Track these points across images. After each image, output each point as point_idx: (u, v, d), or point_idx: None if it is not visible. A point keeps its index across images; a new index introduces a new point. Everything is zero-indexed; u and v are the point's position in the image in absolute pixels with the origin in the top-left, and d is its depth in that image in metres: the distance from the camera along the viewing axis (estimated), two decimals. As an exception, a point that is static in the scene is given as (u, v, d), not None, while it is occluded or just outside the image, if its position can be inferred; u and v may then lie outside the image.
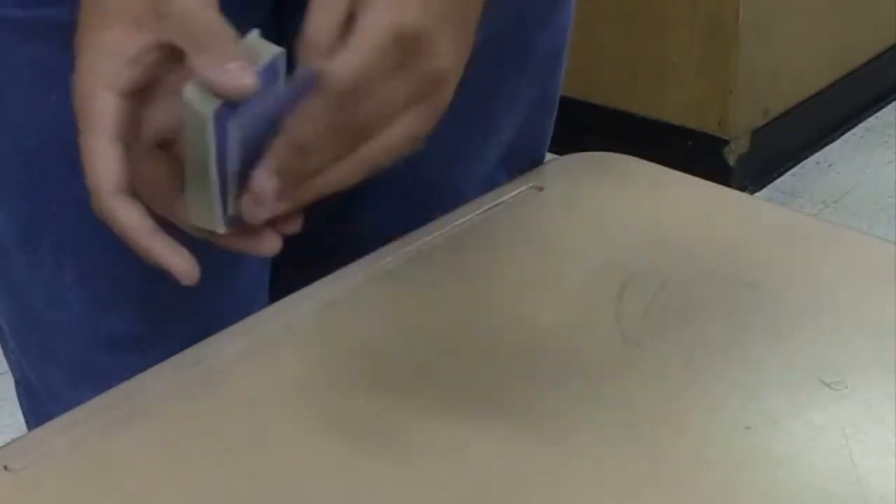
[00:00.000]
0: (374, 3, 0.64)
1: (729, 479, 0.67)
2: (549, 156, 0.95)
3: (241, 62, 0.64)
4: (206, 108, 0.64)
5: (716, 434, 0.69)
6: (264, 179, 0.66)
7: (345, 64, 0.64)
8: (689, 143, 2.45)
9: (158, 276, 0.84)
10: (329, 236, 0.90)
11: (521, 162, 0.92)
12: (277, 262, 0.90)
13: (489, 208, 0.87)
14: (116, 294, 0.84)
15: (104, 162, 0.67)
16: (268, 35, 0.68)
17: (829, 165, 2.58)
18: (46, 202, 0.82)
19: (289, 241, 0.70)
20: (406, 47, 0.64)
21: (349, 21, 0.65)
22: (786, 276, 0.80)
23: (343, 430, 0.70)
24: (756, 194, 2.44)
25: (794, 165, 2.57)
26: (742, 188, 2.38)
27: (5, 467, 0.68)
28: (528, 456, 0.68)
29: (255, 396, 0.72)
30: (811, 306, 0.78)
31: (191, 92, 0.65)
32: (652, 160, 0.92)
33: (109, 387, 0.73)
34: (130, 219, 0.67)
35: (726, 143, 2.44)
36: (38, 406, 0.90)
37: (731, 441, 0.69)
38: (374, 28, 0.64)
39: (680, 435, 0.69)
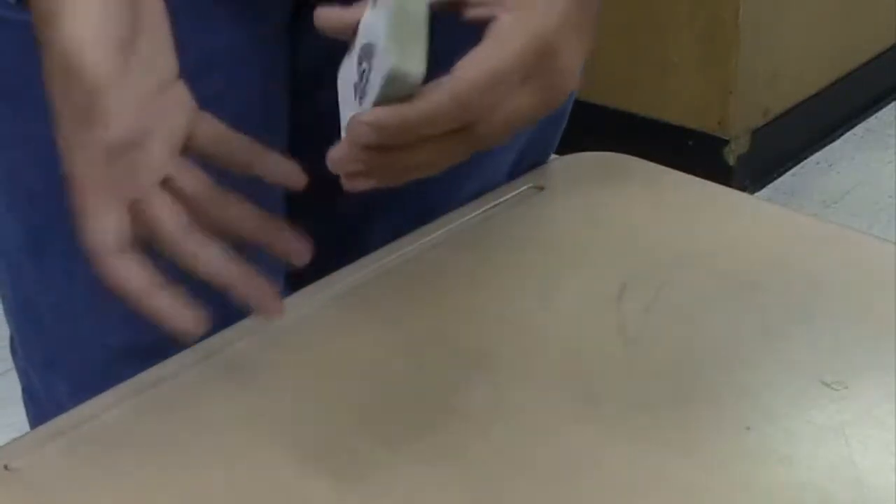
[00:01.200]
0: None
1: (729, 478, 0.67)
2: (549, 155, 0.95)
3: None
4: None
5: (716, 434, 0.69)
6: (357, 122, 0.62)
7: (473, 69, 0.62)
8: (689, 143, 2.45)
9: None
10: (338, 252, 0.89)
11: (525, 167, 0.92)
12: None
13: (489, 208, 0.87)
14: (127, 305, 0.84)
15: (105, 219, 0.64)
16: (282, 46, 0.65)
17: (829, 165, 2.58)
18: (58, 212, 0.81)
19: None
20: (539, 58, 0.64)
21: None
22: (786, 276, 0.80)
23: (343, 429, 0.70)
24: (756, 194, 2.44)
25: (794, 165, 2.57)
26: (742, 188, 2.38)
27: (5, 467, 0.68)
28: (528, 455, 0.68)
29: (255, 396, 0.72)
30: (811, 306, 0.78)
31: None
32: (652, 160, 0.92)
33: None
34: (138, 281, 0.64)
35: (726, 143, 2.44)
36: (44, 416, 0.89)
37: (731, 441, 0.69)
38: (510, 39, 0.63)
39: (680, 435, 0.69)
